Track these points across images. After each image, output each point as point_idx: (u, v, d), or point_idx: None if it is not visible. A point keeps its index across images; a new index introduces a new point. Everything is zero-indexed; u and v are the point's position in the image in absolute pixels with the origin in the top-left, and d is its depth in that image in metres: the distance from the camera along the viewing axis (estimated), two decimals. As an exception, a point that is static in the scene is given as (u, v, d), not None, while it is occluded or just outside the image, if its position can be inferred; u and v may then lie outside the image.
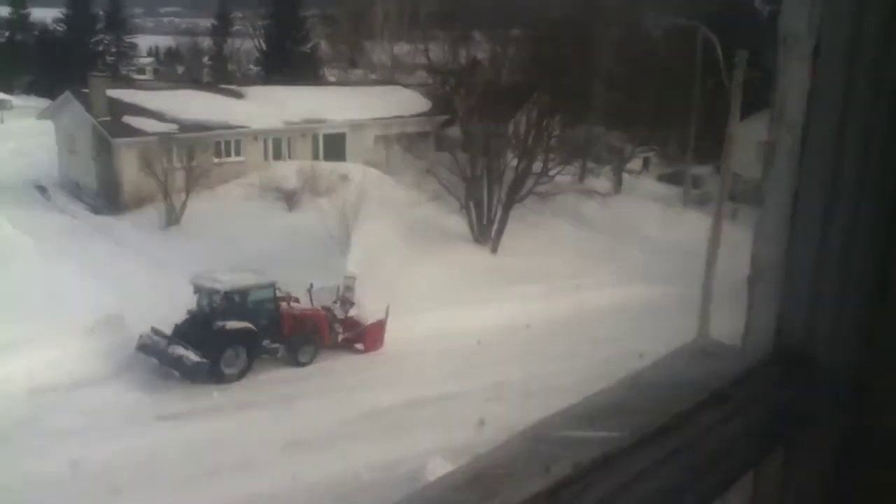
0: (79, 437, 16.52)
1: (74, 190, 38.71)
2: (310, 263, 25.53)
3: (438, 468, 12.87)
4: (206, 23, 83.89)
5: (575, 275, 28.90)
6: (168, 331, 20.78)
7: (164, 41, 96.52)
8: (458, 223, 31.96)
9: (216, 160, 35.78)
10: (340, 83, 55.26)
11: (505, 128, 34.45)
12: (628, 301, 27.16)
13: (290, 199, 33.72)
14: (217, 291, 21.00)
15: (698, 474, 0.99)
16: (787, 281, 1.15)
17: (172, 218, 32.93)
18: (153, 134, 34.61)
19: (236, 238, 28.74)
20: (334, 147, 40.41)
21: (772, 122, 1.20)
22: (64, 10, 70.39)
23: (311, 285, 22.76)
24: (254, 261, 24.61)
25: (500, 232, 31.90)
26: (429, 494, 0.84)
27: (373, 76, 58.16)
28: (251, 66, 70.68)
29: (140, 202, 34.57)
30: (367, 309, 23.56)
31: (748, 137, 30.99)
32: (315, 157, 39.31)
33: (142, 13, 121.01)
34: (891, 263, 1.12)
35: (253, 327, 20.90)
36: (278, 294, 22.12)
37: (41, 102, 51.57)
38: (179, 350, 19.93)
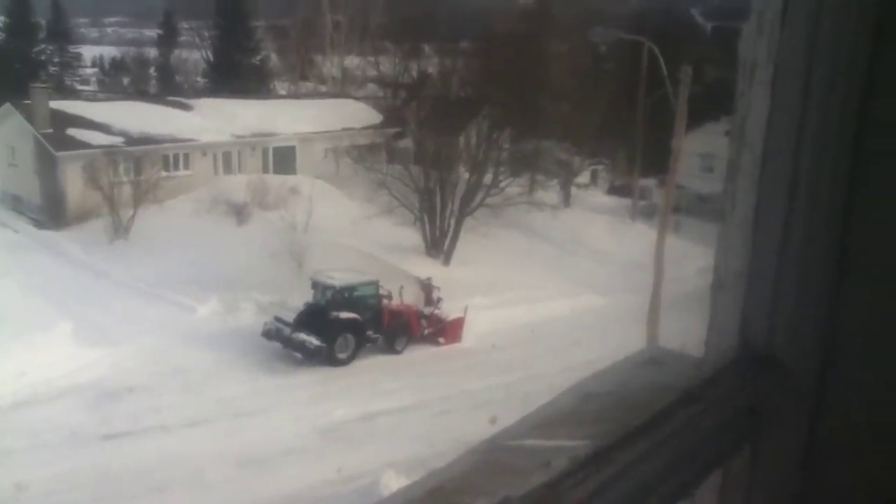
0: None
1: (16, 204, 37.73)
2: (259, 275, 25.33)
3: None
4: (152, 33, 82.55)
5: (525, 286, 29.11)
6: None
7: (109, 51, 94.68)
8: (409, 236, 31.95)
9: (165, 174, 35.20)
10: (290, 96, 54.86)
11: (456, 140, 34.64)
12: (578, 312, 27.46)
13: (239, 213, 33.33)
14: (331, 287, 23.74)
15: (673, 470, 1.05)
16: (750, 288, 1.24)
17: (120, 233, 32.25)
18: (99, 147, 33.89)
19: (185, 252, 28.30)
20: (284, 160, 40.10)
21: (732, 142, 1.29)
22: (3, 18, 68.50)
23: (402, 287, 25.13)
24: (203, 275, 24.28)
25: (452, 244, 31.97)
26: None
27: (323, 89, 57.88)
28: (199, 78, 69.63)
29: (85, 217, 33.76)
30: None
31: (691, 150, 31.68)
32: (265, 170, 38.95)
33: (86, 23, 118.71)
34: (846, 269, 1.21)
35: (360, 318, 23.46)
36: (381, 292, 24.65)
37: (-20, 114, 50.07)
38: (302, 336, 22.47)
